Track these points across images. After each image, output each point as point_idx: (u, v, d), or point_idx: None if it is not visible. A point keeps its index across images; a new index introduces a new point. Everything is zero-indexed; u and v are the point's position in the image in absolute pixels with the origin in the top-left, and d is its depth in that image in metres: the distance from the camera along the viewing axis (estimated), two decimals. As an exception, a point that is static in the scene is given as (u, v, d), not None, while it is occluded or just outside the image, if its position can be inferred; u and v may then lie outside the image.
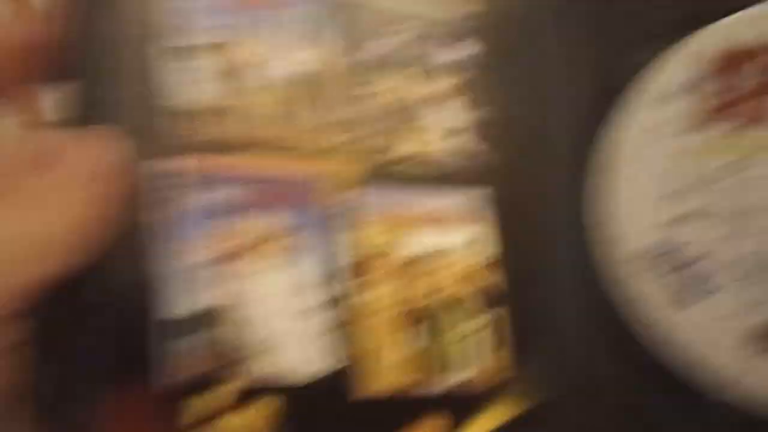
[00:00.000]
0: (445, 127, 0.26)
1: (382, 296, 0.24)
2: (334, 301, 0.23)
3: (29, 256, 0.19)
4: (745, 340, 0.24)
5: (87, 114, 0.22)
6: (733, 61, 0.26)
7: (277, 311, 0.23)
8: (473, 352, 0.25)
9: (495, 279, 0.26)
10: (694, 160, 0.26)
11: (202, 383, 0.21)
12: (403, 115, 0.25)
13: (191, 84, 0.23)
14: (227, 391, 0.22)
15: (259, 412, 0.22)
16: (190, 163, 0.22)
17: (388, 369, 0.24)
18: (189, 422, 0.21)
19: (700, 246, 0.25)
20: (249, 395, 0.22)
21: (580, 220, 0.26)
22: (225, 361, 0.22)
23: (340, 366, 0.23)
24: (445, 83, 0.26)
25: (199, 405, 0.21)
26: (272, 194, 0.23)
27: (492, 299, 0.25)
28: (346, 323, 0.23)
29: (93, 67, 0.22)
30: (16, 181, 0.20)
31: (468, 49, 0.27)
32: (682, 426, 0.25)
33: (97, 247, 0.20)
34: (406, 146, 0.25)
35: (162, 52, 0.23)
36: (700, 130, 0.26)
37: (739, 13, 0.26)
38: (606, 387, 0.26)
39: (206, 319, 0.22)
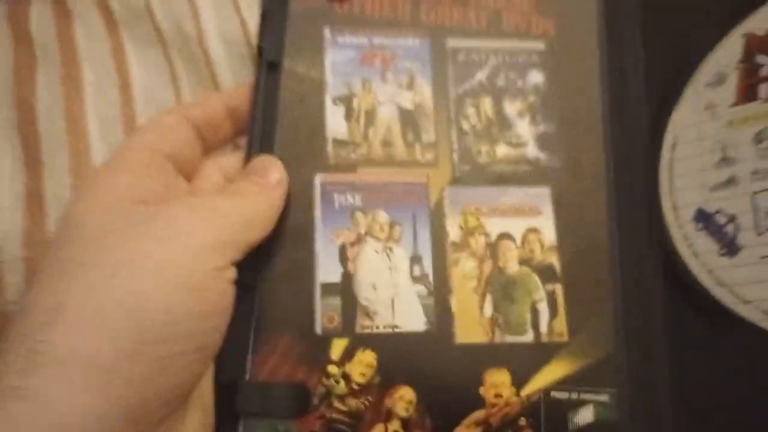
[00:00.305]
0: (517, 139, 0.34)
1: (470, 269, 0.33)
2: (430, 275, 0.32)
3: (245, 226, 0.29)
4: None
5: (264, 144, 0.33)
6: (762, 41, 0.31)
7: (388, 281, 0.32)
8: (535, 318, 0.32)
9: (553, 260, 0.33)
10: (733, 133, 0.31)
11: (342, 331, 0.31)
12: (488, 133, 0.34)
13: (335, 121, 0.33)
14: (358, 336, 0.31)
15: (372, 358, 0.31)
16: (335, 176, 0.33)
17: (472, 327, 0.32)
18: (334, 358, 0.31)
19: (728, 211, 0.31)
20: (370, 343, 0.31)
21: (631, 199, 0.33)
22: (357, 315, 0.31)
23: (436, 322, 0.32)
24: (519, 104, 0.35)
25: (339, 346, 0.31)
26: (391, 195, 0.33)
27: (551, 276, 0.33)
28: (443, 289, 0.32)
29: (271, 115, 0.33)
30: (238, 184, 0.30)
31: (535, 77, 0.35)
32: (731, 357, 0.30)
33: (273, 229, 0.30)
34: (490, 157, 0.34)
35: (318, 100, 0.33)
36: (744, 103, 0.31)
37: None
38: (660, 339, 0.31)
39: (346, 284, 0.32)
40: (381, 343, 0.31)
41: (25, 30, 0.42)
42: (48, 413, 0.22)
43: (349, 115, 0.33)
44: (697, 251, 0.31)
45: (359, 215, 0.32)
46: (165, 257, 0.25)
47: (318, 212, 0.32)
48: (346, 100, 0.34)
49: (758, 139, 0.30)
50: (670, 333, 0.31)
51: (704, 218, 0.31)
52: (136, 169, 0.29)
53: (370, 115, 0.34)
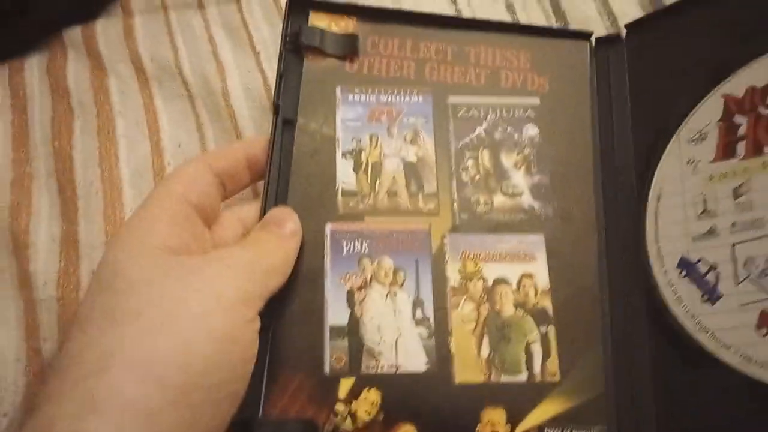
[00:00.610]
0: (513, 189, 0.36)
1: (468, 312, 0.35)
2: (438, 314, 0.35)
3: (268, 276, 0.31)
4: (749, 327, 0.31)
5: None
6: (751, 100, 0.33)
7: (391, 324, 0.34)
8: (530, 358, 0.35)
9: (546, 303, 0.35)
10: (713, 187, 0.33)
11: (349, 371, 0.34)
12: (488, 181, 0.37)
13: (344, 173, 0.36)
14: (363, 376, 0.33)
15: (376, 396, 0.33)
16: (344, 224, 0.35)
17: (470, 367, 0.34)
18: (341, 396, 0.33)
19: (709, 260, 0.33)
20: (375, 383, 0.33)
21: (620, 247, 0.35)
22: (363, 356, 0.34)
23: (437, 362, 0.34)
24: (515, 156, 0.37)
25: (346, 385, 0.33)
26: (396, 242, 0.35)
27: (544, 318, 0.35)
28: (443, 331, 0.34)
29: (286, 169, 0.36)
30: (257, 234, 0.33)
31: (530, 130, 0.38)
32: (712, 398, 0.32)
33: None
34: (488, 206, 0.36)
35: (329, 154, 0.36)
36: (724, 160, 0.33)
37: (753, 64, 0.32)
38: (646, 380, 0.33)
39: (353, 326, 0.34)
40: (385, 382, 0.33)
41: (63, 84, 0.46)
42: None
43: (357, 167, 0.36)
44: (680, 297, 0.33)
45: (366, 261, 0.35)
46: (204, 310, 0.28)
47: (328, 259, 0.35)
48: (355, 154, 0.37)
49: (736, 194, 0.32)
50: (656, 375, 0.33)
51: (687, 266, 0.33)
52: (168, 219, 0.31)
53: (377, 168, 0.36)
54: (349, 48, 0.38)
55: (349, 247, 0.35)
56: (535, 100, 0.38)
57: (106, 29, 0.48)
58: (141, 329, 0.26)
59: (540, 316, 0.35)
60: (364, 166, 0.36)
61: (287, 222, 0.34)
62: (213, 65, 0.45)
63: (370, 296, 0.34)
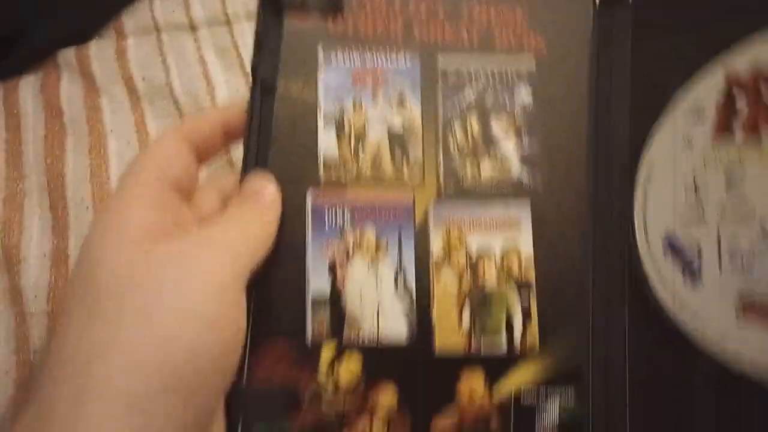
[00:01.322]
0: (502, 157, 0.35)
1: (451, 283, 0.35)
2: (414, 286, 0.35)
3: (251, 251, 0.31)
4: (729, 314, 0.31)
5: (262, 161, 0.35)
6: (754, 82, 0.31)
7: (373, 292, 0.35)
8: (510, 330, 0.35)
9: (529, 275, 0.35)
10: (706, 169, 0.32)
11: (330, 339, 0.34)
12: (474, 151, 0.35)
13: (326, 141, 0.35)
14: (345, 344, 0.34)
15: (357, 363, 0.34)
16: (326, 193, 0.35)
17: (451, 337, 0.34)
18: (323, 363, 0.34)
19: (694, 243, 0.32)
20: (356, 350, 0.34)
21: (606, 221, 0.35)
22: (339, 324, 0.34)
23: (418, 332, 0.34)
24: (505, 123, 0.36)
25: (328, 352, 0.34)
26: (379, 213, 0.35)
27: (526, 290, 0.35)
28: (425, 301, 0.35)
29: (265, 136, 0.35)
30: (237, 209, 0.33)
31: (524, 95, 0.36)
32: (688, 381, 0.32)
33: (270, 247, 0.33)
34: (475, 173, 0.35)
35: (311, 120, 0.35)
36: (719, 141, 0.32)
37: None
38: (619, 351, 0.34)
39: (335, 296, 0.34)
40: (366, 351, 0.34)
41: (57, 103, 0.46)
42: None
43: (340, 134, 0.35)
44: (663, 276, 0.33)
45: (348, 231, 0.35)
46: (189, 297, 0.28)
47: (309, 228, 0.34)
48: (338, 121, 0.35)
49: (729, 179, 0.31)
50: (630, 349, 0.34)
51: (672, 246, 0.33)
52: (145, 203, 0.30)
53: (361, 135, 0.35)
54: (333, 3, 0.36)
55: (331, 217, 0.34)
56: (531, 63, 0.36)
57: (99, 51, 0.50)
58: (128, 321, 0.27)
59: (522, 288, 0.35)
60: (347, 133, 0.35)
61: (266, 190, 0.33)
62: (203, 85, 0.45)
63: (352, 266, 0.34)
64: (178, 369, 0.27)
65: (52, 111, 0.46)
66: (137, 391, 0.26)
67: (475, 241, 0.35)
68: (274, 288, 0.34)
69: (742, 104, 0.31)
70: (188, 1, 0.52)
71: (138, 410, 0.25)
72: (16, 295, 0.40)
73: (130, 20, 0.51)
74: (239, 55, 0.49)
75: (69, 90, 0.47)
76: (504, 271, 0.35)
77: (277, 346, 0.33)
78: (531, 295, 0.35)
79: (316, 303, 0.34)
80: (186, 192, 0.33)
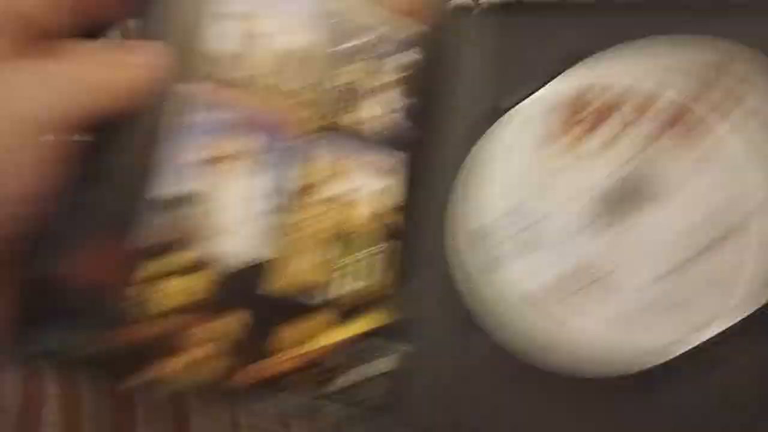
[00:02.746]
0: (385, 107, 0.35)
1: (312, 216, 0.33)
2: (277, 211, 0.32)
3: (79, 91, 0.27)
4: (524, 304, 0.33)
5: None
6: (579, 99, 0.34)
7: (234, 208, 0.31)
8: (367, 271, 0.34)
9: (396, 219, 0.35)
10: (525, 171, 0.35)
11: (165, 249, 0.30)
12: (356, 94, 0.35)
13: (223, 37, 0.32)
14: (181, 258, 0.30)
15: (198, 281, 0.30)
16: (205, 88, 0.31)
17: (303, 271, 0.33)
18: (146, 277, 0.29)
19: (500, 237, 0.34)
20: (195, 266, 0.30)
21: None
22: (186, 236, 0.30)
23: (265, 260, 0.32)
24: (390, 77, 0.36)
25: (156, 265, 0.30)
26: (254, 122, 0.32)
27: (391, 234, 0.35)
28: (280, 229, 0.32)
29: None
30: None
31: (409, 56, 0.37)
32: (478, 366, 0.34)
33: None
34: (355, 115, 0.34)
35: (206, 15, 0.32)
36: (541, 150, 0.35)
37: (585, 62, 0.34)
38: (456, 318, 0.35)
39: (183, 201, 0.30)
40: (214, 267, 0.30)
41: None
42: None
43: (237, 33, 0.32)
44: (468, 265, 0.35)
45: (224, 136, 0.31)
46: None
47: (184, 121, 0.30)
48: (239, 19, 0.32)
49: (542, 182, 0.34)
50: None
51: (481, 237, 0.35)
52: None
53: (257, 41, 0.33)
54: None
55: (209, 117, 0.31)
56: (423, 28, 0.37)
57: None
58: None
59: (386, 232, 0.34)
60: (245, 34, 0.32)
61: (145, 52, 0.29)
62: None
63: (222, 173, 0.31)
64: None
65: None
66: None
67: (349, 180, 0.34)
68: (121, 179, 0.29)
69: (565, 116, 0.34)
70: None
71: None
72: None
73: None
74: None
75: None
76: (372, 211, 0.34)
77: (102, 244, 0.29)
78: (393, 239, 0.35)
79: (168, 203, 0.30)
80: (47, 34, 0.28)
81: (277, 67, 0.33)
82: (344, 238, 0.33)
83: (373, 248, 0.34)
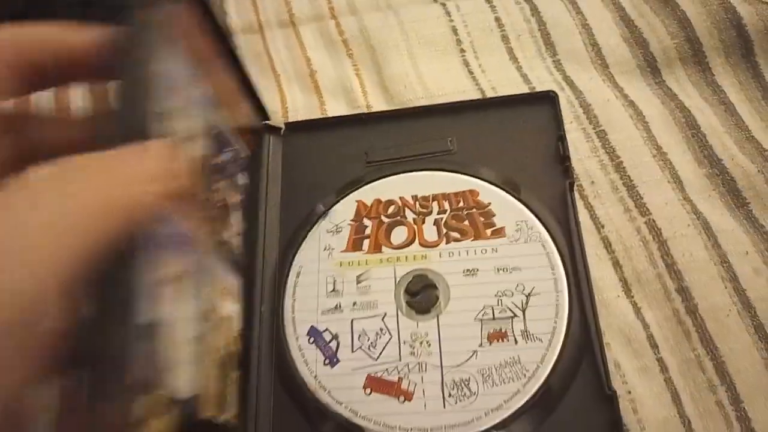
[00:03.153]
0: (237, 227, 0.34)
1: (215, 341, 0.30)
2: (200, 334, 0.28)
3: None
4: (359, 389, 0.37)
5: None
6: (376, 209, 0.42)
7: (181, 335, 0.26)
8: (231, 397, 0.33)
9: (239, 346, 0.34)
10: (342, 271, 0.40)
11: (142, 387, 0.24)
12: (228, 211, 0.33)
13: None
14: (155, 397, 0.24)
15: (169, 422, 0.25)
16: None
17: (210, 402, 0.30)
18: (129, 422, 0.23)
19: (333, 331, 0.39)
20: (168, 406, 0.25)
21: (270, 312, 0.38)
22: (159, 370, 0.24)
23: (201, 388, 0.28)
24: (237, 197, 0.35)
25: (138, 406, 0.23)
26: (186, 238, 0.28)
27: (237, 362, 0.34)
28: (205, 354, 0.28)
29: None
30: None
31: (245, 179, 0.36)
32: None
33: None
34: (227, 233, 0.32)
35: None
36: (352, 251, 0.41)
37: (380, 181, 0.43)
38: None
39: (153, 329, 0.24)
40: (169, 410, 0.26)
41: None
42: None
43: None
44: (307, 360, 0.38)
45: (173, 253, 0.26)
46: None
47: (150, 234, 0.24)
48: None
49: (358, 280, 0.41)
50: (278, 425, 0.37)
51: (315, 334, 0.39)
52: None
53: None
54: None
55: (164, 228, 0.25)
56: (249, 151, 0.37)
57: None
58: None
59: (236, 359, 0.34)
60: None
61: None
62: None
63: (176, 293, 0.26)
64: None
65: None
66: None
67: (230, 300, 0.32)
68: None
69: (368, 224, 0.42)
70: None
71: None
72: None
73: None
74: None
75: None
76: (229, 339, 0.33)
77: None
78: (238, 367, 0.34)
79: (140, 332, 0.23)
80: None
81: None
82: (223, 365, 0.31)
83: (231, 375, 0.32)
